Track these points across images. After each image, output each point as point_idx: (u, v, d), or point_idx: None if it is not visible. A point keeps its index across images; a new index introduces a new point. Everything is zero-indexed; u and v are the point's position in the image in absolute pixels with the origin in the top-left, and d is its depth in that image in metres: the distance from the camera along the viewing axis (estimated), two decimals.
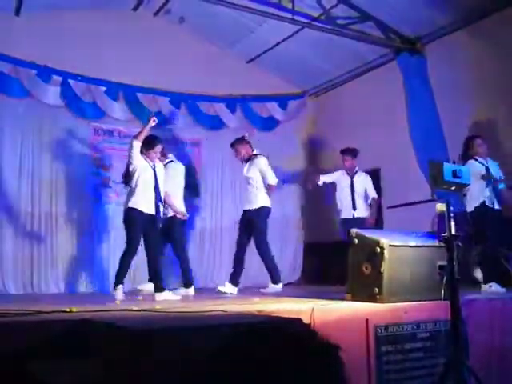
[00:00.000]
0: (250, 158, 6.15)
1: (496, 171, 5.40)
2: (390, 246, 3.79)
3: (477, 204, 5.24)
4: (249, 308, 3.49)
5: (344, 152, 6.93)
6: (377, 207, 6.96)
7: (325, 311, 3.32)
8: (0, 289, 6.37)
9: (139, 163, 5.35)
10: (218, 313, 3.14)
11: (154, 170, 5.47)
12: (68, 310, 3.37)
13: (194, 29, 7.91)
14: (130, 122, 7.56)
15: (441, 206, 3.26)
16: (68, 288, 6.76)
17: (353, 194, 6.78)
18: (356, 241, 3.99)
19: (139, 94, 7.58)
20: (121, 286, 5.15)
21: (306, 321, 2.89)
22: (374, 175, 7.85)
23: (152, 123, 5.46)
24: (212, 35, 8.00)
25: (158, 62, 7.45)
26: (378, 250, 3.77)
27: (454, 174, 3.23)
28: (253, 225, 5.90)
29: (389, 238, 3.88)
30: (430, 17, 6.53)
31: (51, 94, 6.96)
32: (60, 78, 7.01)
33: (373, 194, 6.88)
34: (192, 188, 8.03)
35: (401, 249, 3.87)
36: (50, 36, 6.75)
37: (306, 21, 6.82)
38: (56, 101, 7.01)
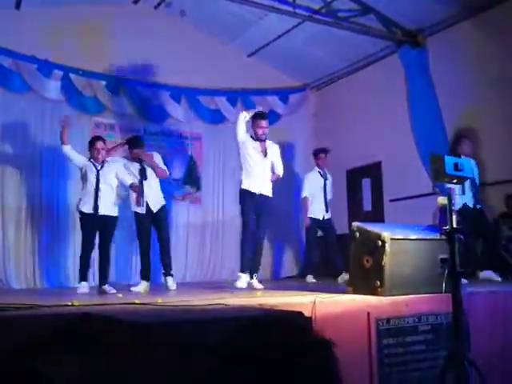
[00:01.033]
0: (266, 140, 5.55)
1: (475, 172, 5.53)
2: (392, 239, 3.78)
3: (459, 206, 5.28)
4: (250, 301, 3.49)
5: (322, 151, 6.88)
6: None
7: (326, 304, 3.31)
8: (3, 282, 6.39)
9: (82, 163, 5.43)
10: (219, 306, 3.14)
11: (97, 169, 5.39)
12: (69, 303, 3.38)
13: (194, 22, 7.88)
14: (130, 116, 7.57)
15: (442, 200, 3.25)
16: (69, 282, 6.78)
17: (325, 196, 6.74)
18: (357, 234, 3.98)
19: (140, 88, 7.57)
20: (84, 282, 5.25)
21: (307, 314, 2.89)
22: (375, 168, 7.85)
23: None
24: (213, 28, 7.97)
25: (159, 56, 7.43)
26: (380, 243, 3.77)
27: (456, 166, 3.22)
28: (266, 211, 5.47)
29: (390, 231, 3.87)
30: (431, 9, 6.49)
31: (52, 88, 6.96)
32: (61, 73, 7.00)
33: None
34: (193, 181, 8.04)
35: (402, 242, 3.86)
36: (51, 30, 6.74)
37: (307, 14, 6.80)
38: (57, 95, 7.01)
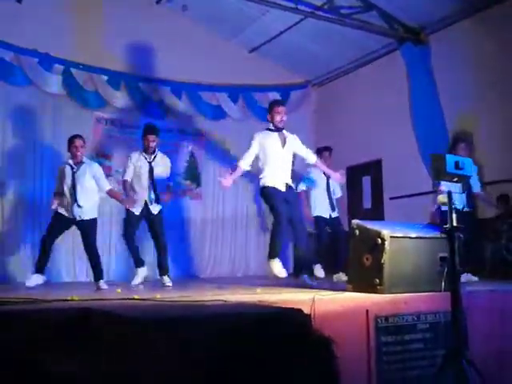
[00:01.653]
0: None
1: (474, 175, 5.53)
2: (391, 237, 3.78)
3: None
4: (250, 298, 3.50)
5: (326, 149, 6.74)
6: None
7: (325, 302, 3.32)
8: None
9: None
10: (219, 303, 3.15)
11: (73, 170, 5.28)
12: (69, 298, 3.38)
13: (196, 17, 7.86)
14: (131, 111, 7.56)
15: (443, 198, 3.26)
16: (70, 276, 6.80)
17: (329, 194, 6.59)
18: (357, 232, 3.98)
19: (141, 84, 7.56)
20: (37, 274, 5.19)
21: (306, 311, 2.89)
22: (376, 166, 7.85)
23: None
24: (215, 24, 7.95)
25: (160, 51, 7.42)
26: (379, 241, 3.77)
27: (457, 165, 3.22)
28: (296, 205, 5.16)
29: (390, 229, 3.87)
30: (433, 7, 6.48)
31: (53, 82, 6.95)
32: (62, 67, 6.99)
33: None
34: (193, 177, 8.05)
35: (402, 240, 3.86)
36: (52, 24, 6.73)
37: (309, 10, 6.78)
38: (58, 89, 7.00)
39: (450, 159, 3.24)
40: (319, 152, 6.74)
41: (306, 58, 8.21)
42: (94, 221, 5.31)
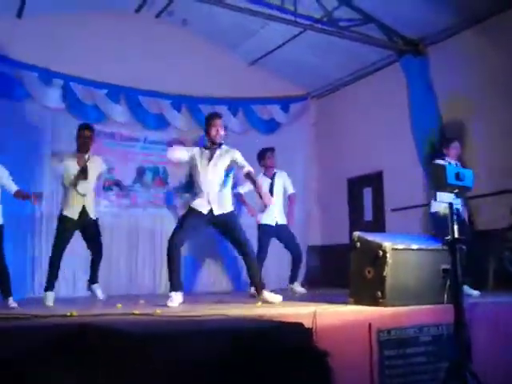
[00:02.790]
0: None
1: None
2: (393, 249, 3.76)
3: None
4: (250, 312, 3.47)
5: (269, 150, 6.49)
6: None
7: (327, 315, 3.29)
8: None
9: None
10: (219, 317, 3.12)
11: None
12: (68, 314, 3.35)
13: (196, 31, 7.90)
14: (131, 124, 7.57)
15: (444, 209, 3.24)
16: (68, 291, 6.75)
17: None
18: (358, 244, 3.96)
19: (140, 97, 7.58)
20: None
21: (307, 325, 2.86)
22: (377, 178, 7.83)
23: None
24: (214, 37, 7.98)
25: (160, 65, 7.44)
26: (381, 253, 3.75)
27: (457, 176, 3.20)
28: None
29: (391, 241, 3.85)
30: (432, 18, 6.49)
31: (52, 96, 6.95)
32: (61, 81, 7.01)
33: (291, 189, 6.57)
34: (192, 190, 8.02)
35: (404, 252, 3.84)
36: (52, 39, 6.76)
37: (308, 23, 6.80)
38: (57, 104, 7.01)
39: (451, 170, 3.23)
40: (262, 154, 6.49)
41: (305, 71, 8.23)
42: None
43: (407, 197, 6.97)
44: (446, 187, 3.22)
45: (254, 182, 4.81)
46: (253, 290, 5.55)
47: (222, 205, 4.77)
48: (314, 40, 7.29)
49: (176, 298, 4.51)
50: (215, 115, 4.98)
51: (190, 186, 8.03)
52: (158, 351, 2.10)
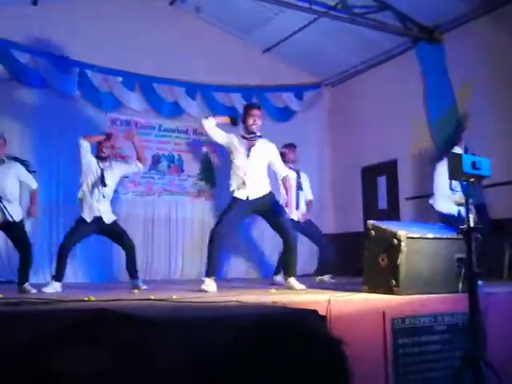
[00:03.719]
0: None
1: None
2: (408, 237, 3.75)
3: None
4: (265, 299, 3.49)
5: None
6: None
7: (341, 303, 3.29)
8: None
9: None
10: (233, 303, 3.14)
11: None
12: (86, 299, 3.40)
13: (209, 18, 7.88)
14: (146, 112, 7.60)
15: (460, 198, 3.22)
16: (88, 277, 6.84)
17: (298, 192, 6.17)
18: (373, 232, 3.96)
19: (155, 85, 7.59)
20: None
21: (321, 312, 2.87)
22: (391, 166, 7.79)
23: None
24: (228, 25, 7.96)
25: (174, 52, 7.45)
26: (395, 241, 3.74)
27: (474, 165, 3.18)
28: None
29: (406, 229, 3.84)
30: (448, 5, 6.41)
31: (68, 84, 7.01)
32: (77, 69, 7.05)
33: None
34: (208, 178, 8.05)
35: (418, 241, 3.83)
36: (67, 26, 6.79)
37: (322, 10, 6.75)
38: (73, 91, 7.06)
39: (467, 159, 3.20)
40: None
41: (319, 58, 8.18)
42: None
43: (421, 185, 6.92)
44: (462, 176, 3.20)
45: (287, 190, 5.00)
46: (278, 278, 5.55)
47: (260, 190, 4.84)
48: (328, 27, 7.24)
49: (211, 284, 4.55)
50: (253, 105, 5.04)
51: (206, 173, 8.12)
52: (171, 336, 2.13)
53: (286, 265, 4.93)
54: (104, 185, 5.13)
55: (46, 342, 2.18)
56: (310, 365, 1.03)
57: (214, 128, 4.93)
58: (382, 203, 8.06)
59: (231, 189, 4.86)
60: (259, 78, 8.10)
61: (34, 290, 4.71)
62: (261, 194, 4.83)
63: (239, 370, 1.05)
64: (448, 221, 4.82)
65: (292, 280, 4.75)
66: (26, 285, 4.83)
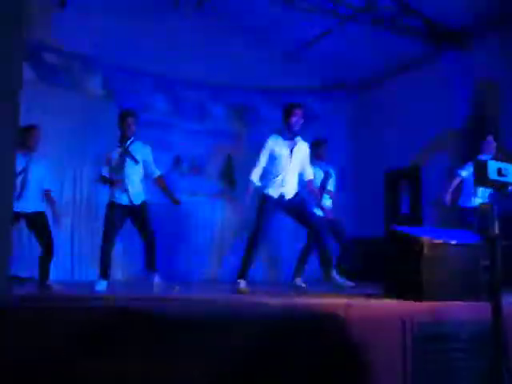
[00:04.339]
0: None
1: None
2: (431, 243, 3.72)
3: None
4: (285, 301, 3.49)
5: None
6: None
7: (361, 308, 3.27)
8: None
9: None
10: (257, 305, 3.15)
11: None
12: (106, 297, 3.44)
13: (233, 22, 7.89)
14: (169, 113, 7.68)
15: (485, 205, 3.18)
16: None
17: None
18: (395, 237, 3.93)
19: (179, 86, 7.66)
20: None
21: (341, 317, 2.86)
22: (414, 171, 7.73)
23: None
24: (251, 28, 7.97)
25: (198, 55, 7.49)
26: (418, 247, 3.71)
27: (499, 172, 3.12)
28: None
29: (429, 235, 3.80)
30: (476, 10, 6.33)
31: (95, 85, 7.11)
32: (103, 70, 7.15)
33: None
34: (230, 179, 8.09)
35: (441, 247, 3.79)
36: (94, 27, 6.87)
37: (347, 14, 6.73)
38: (100, 92, 7.15)
39: (493, 165, 3.16)
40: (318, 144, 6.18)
41: (343, 62, 8.14)
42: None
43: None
44: (487, 183, 3.16)
45: (312, 191, 5.08)
46: (298, 281, 5.52)
47: (295, 189, 4.88)
48: (352, 31, 7.20)
49: (245, 286, 4.59)
50: (296, 104, 5.03)
51: (227, 174, 8.16)
52: (197, 336, 2.15)
53: (326, 261, 4.89)
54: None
55: (82, 342, 2.21)
56: (328, 367, 1.03)
57: (259, 167, 4.88)
58: (405, 208, 8.01)
59: (266, 188, 4.84)
60: (282, 82, 8.10)
61: (58, 286, 4.79)
62: (294, 193, 4.87)
63: (262, 368, 1.06)
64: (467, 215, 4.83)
65: (335, 274, 4.88)
66: (49, 281, 4.91)
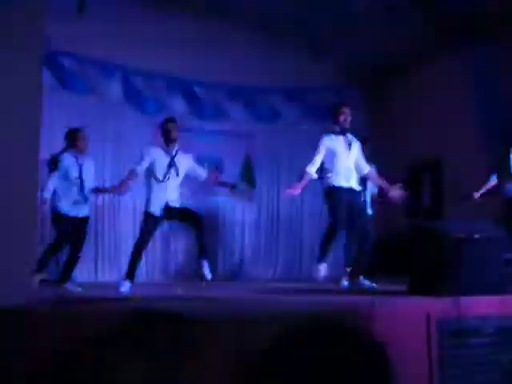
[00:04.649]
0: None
1: None
2: (455, 237, 3.67)
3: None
4: (306, 299, 3.49)
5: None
6: None
7: (385, 304, 3.25)
8: None
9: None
10: (273, 303, 3.15)
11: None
12: (131, 298, 3.48)
13: (249, 21, 7.88)
14: (187, 115, 7.70)
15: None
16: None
17: None
18: (418, 232, 3.89)
19: (196, 88, 7.68)
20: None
21: (365, 314, 2.85)
22: (436, 164, 7.65)
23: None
24: (267, 26, 7.95)
25: (214, 56, 7.49)
26: (442, 242, 3.66)
27: None
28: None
29: (452, 229, 3.76)
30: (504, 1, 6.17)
31: (113, 90, 7.18)
32: (121, 74, 7.20)
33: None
34: (249, 179, 8.10)
35: (466, 241, 3.74)
36: (111, 31, 6.92)
37: (362, 7, 6.67)
38: (118, 97, 7.21)
39: None
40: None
41: (359, 56, 8.07)
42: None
43: (467, 184, 6.75)
44: (508, 176, 3.12)
45: (377, 179, 5.24)
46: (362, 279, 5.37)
47: (357, 185, 5.02)
48: (368, 25, 7.13)
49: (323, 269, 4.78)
50: (343, 103, 5.27)
51: (246, 175, 8.18)
52: (222, 334, 2.16)
53: (361, 264, 5.00)
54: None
55: (99, 343, 2.24)
56: (353, 364, 1.03)
57: (317, 161, 4.96)
58: (427, 201, 7.94)
59: (333, 181, 4.90)
60: (298, 79, 8.07)
61: (79, 289, 4.87)
62: (358, 189, 5.04)
63: (284, 365, 1.06)
64: None
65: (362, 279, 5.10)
66: (68, 284, 4.98)
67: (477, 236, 3.78)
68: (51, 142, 6.74)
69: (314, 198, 8.01)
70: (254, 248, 8.01)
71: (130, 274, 4.81)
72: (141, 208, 5.33)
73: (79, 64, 6.95)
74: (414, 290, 3.82)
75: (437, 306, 3.43)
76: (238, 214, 7.98)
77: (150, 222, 4.88)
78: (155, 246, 7.20)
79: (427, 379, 3.25)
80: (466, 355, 3.39)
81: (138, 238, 4.86)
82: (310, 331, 1.06)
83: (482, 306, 3.52)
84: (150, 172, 4.96)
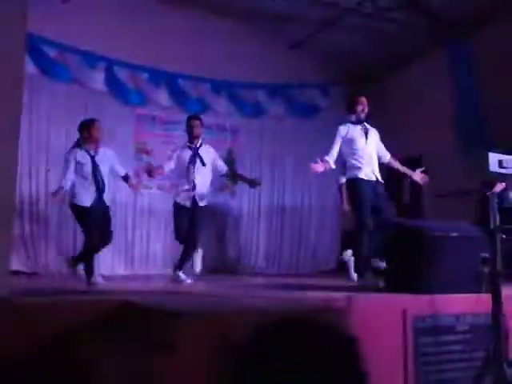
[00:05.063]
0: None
1: None
2: (431, 236, 3.72)
3: None
4: (282, 296, 3.51)
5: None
6: None
7: (361, 301, 3.29)
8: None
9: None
10: (246, 299, 3.16)
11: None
12: (112, 291, 3.46)
13: (236, 16, 7.85)
14: (171, 108, 7.65)
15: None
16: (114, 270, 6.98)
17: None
18: (396, 230, 3.93)
19: (181, 81, 7.64)
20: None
21: (341, 310, 2.88)
22: (416, 162, 7.71)
23: None
24: (254, 21, 7.92)
25: (199, 49, 7.46)
26: (418, 239, 3.71)
27: (500, 164, 3.13)
28: None
29: (429, 227, 3.81)
30: (478, 2, 6.28)
31: (96, 79, 7.08)
32: (104, 64, 7.13)
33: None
34: (231, 174, 8.08)
35: (441, 239, 3.79)
36: (95, 22, 6.85)
37: (350, 6, 6.70)
38: (101, 87, 7.13)
39: (493, 157, 3.15)
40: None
41: (346, 54, 8.10)
42: None
43: (446, 182, 6.82)
44: (487, 175, 3.16)
45: (395, 165, 5.35)
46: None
47: (378, 173, 5.05)
48: (355, 23, 7.17)
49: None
50: (359, 95, 5.29)
51: (229, 169, 8.15)
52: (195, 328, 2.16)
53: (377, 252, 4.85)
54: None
55: (82, 333, 2.24)
56: (325, 362, 1.04)
57: (335, 151, 4.98)
58: (406, 198, 8.02)
59: (354, 174, 4.90)
60: (285, 75, 8.07)
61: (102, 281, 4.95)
62: (380, 177, 5.03)
63: (258, 361, 1.07)
64: None
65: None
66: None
67: (453, 235, 3.83)
68: (31, 130, 6.69)
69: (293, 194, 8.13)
70: (235, 243, 8.01)
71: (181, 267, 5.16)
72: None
73: (62, 53, 6.86)
74: (390, 287, 3.87)
75: (413, 303, 3.48)
76: (221, 208, 7.97)
77: (180, 213, 5.29)
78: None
79: (402, 375, 3.30)
80: (440, 352, 3.45)
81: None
82: (277, 328, 1.07)
83: (458, 304, 3.58)
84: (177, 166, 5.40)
